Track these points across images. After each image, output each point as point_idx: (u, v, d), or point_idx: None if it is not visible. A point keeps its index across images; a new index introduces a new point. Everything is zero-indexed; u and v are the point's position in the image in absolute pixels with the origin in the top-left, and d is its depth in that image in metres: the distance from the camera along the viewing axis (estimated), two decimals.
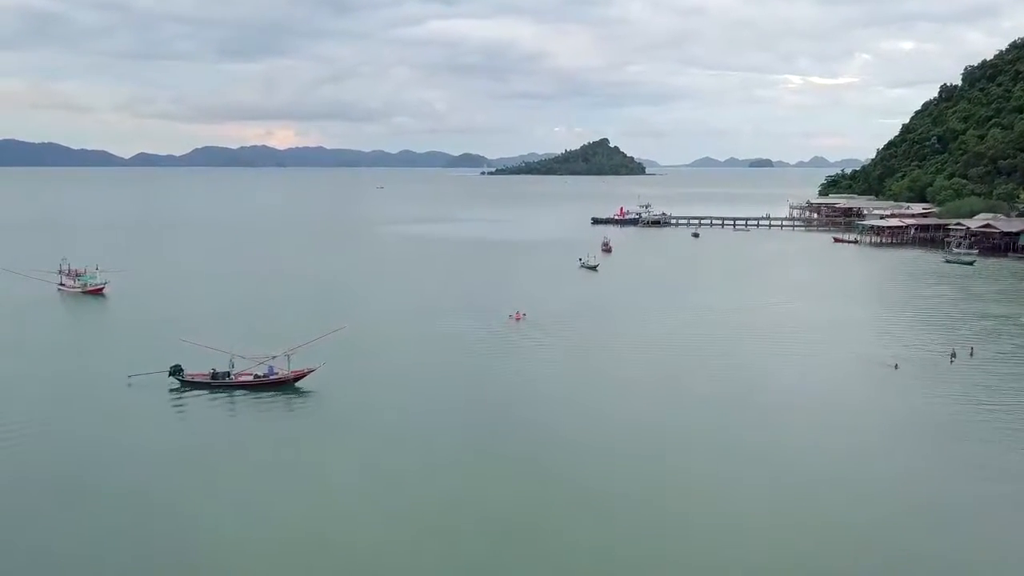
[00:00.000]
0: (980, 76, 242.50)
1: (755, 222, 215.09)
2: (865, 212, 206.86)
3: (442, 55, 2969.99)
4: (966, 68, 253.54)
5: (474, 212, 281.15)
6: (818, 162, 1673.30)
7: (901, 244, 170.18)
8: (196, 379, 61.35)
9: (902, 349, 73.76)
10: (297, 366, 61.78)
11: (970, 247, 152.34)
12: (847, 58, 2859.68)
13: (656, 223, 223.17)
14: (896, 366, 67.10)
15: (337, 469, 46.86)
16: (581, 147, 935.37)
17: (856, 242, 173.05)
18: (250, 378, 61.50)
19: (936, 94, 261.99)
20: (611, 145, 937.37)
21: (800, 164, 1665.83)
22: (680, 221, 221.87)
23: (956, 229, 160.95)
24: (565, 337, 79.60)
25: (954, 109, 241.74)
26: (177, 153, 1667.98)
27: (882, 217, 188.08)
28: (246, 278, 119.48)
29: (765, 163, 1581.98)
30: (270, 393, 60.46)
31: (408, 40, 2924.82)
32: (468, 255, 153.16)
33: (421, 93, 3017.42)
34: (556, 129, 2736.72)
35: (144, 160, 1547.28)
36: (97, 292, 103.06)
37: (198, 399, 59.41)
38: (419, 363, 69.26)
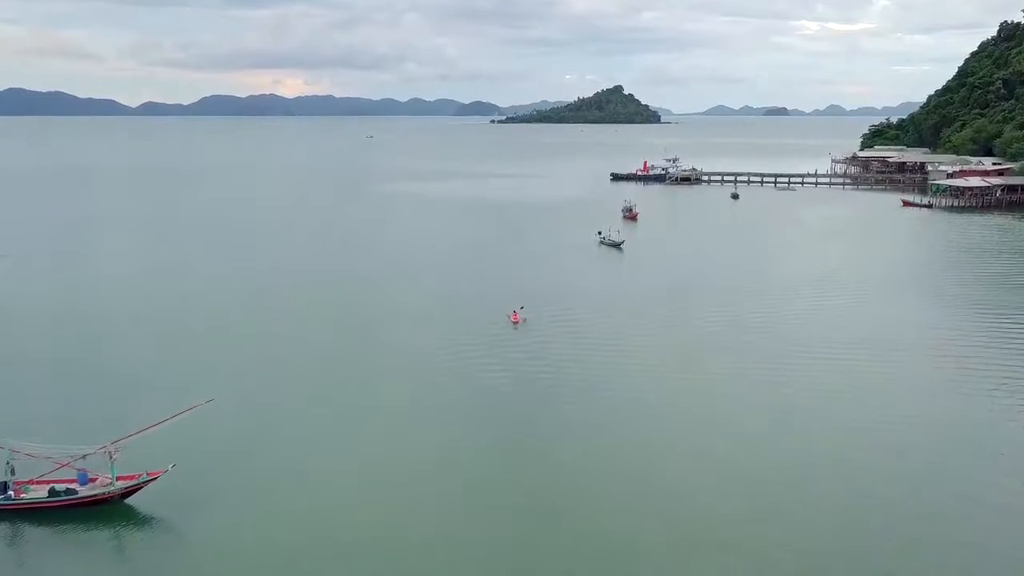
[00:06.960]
0: None
1: (799, 180, 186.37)
2: (929, 168, 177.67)
3: (454, 0, 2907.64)
4: None
5: (474, 167, 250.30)
6: (834, 110, 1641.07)
7: (985, 208, 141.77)
8: None
9: None
10: (128, 470, 35.50)
11: None
12: (865, 3, 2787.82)
13: (686, 180, 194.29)
14: None
15: None
16: (595, 95, 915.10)
17: (930, 206, 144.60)
18: (45, 494, 35.34)
19: (995, 33, 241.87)
20: (625, 93, 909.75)
21: (816, 112, 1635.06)
22: (713, 178, 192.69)
23: None
24: (577, 353, 55.86)
25: (1019, 49, 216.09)
26: (185, 102, 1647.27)
27: (950, 175, 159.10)
28: (141, 274, 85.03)
29: (780, 111, 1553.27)
30: (80, 521, 34.36)
31: None
32: (457, 226, 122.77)
33: (432, 40, 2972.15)
34: (568, 77, 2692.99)
35: (152, 109, 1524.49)
36: None
37: None
38: (348, 441, 42.90)
